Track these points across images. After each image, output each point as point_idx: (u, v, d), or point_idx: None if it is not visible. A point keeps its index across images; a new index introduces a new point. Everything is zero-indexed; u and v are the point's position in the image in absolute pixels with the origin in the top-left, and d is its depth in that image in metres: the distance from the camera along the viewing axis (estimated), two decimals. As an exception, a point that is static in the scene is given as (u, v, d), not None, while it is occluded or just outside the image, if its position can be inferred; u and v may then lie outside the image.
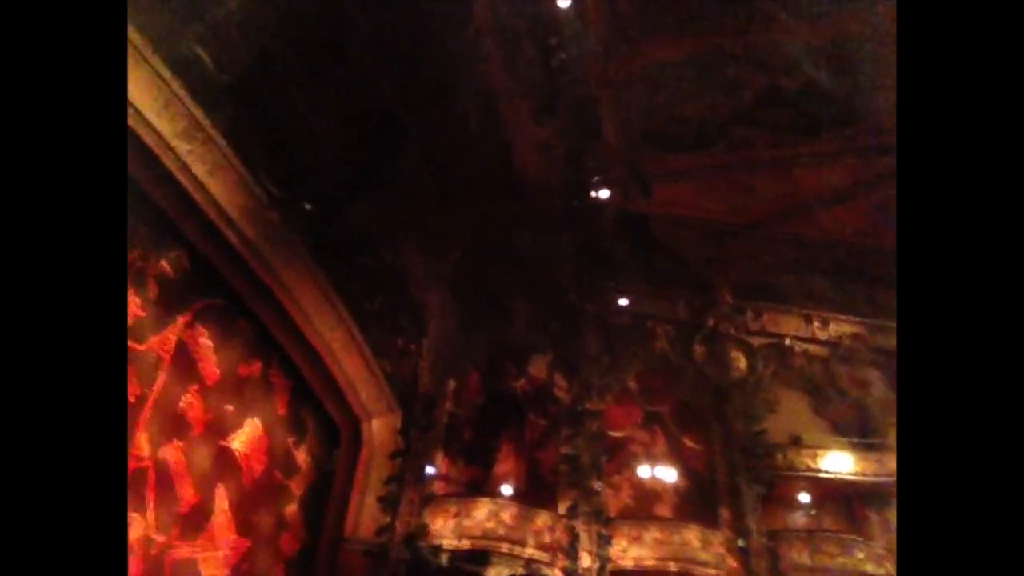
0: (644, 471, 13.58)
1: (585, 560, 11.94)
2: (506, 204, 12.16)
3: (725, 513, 12.64)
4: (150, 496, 7.97)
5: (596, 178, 11.29)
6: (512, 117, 11.19)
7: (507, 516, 11.49)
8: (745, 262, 14.47)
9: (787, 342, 14.34)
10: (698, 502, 13.22)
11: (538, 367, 13.44)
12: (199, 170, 7.47)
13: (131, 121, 6.76)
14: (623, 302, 13.49)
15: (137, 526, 7.80)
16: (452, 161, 11.12)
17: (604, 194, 11.48)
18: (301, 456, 10.37)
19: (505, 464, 12.89)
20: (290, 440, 10.18)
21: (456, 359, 12.53)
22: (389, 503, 10.94)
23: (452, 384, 12.52)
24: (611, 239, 12.94)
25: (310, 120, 8.70)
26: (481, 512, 11.42)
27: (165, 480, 8.16)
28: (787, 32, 10.06)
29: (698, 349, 14.20)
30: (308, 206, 8.87)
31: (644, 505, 13.41)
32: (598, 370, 13.73)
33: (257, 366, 9.53)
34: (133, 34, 6.33)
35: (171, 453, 8.24)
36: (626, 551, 12.19)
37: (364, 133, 9.54)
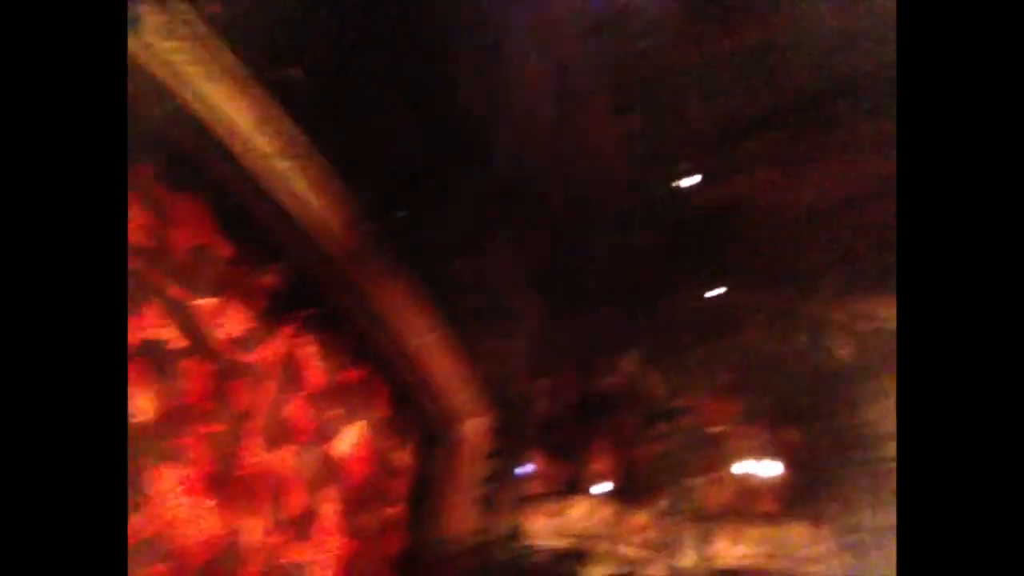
0: (744, 466, 13.24)
1: (686, 558, 11.78)
2: (589, 201, 12.11)
3: (832, 508, 12.19)
4: (263, 501, 8.33)
5: (681, 167, 11.06)
6: (590, 113, 11.12)
7: (604, 514, 11.45)
8: (839, 246, 13.93)
9: (893, 327, 13.73)
10: (803, 497, 12.79)
11: (629, 364, 13.31)
12: (299, 186, 7.77)
13: (230, 139, 7.09)
14: (713, 293, 13.16)
15: (251, 530, 8.18)
16: (533, 160, 11.15)
17: (689, 183, 11.22)
18: (403, 458, 10.64)
19: (599, 462, 12.82)
20: (392, 443, 10.45)
21: (547, 359, 12.56)
22: (487, 503, 11.10)
23: (544, 384, 12.56)
24: (698, 229, 12.66)
25: (398, 130, 8.90)
26: (577, 511, 11.42)
27: (276, 486, 8.52)
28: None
29: (797, 337, 13.73)
30: (400, 215, 9.08)
31: (746, 501, 13.07)
32: (691, 365, 13.48)
33: (359, 372, 9.83)
34: (232, 59, 6.64)
35: (281, 458, 8.60)
36: (729, 549, 11.95)
37: (450, 140, 9.69)
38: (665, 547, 11.92)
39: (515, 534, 11.20)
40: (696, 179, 11.50)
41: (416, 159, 9.33)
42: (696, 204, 12.26)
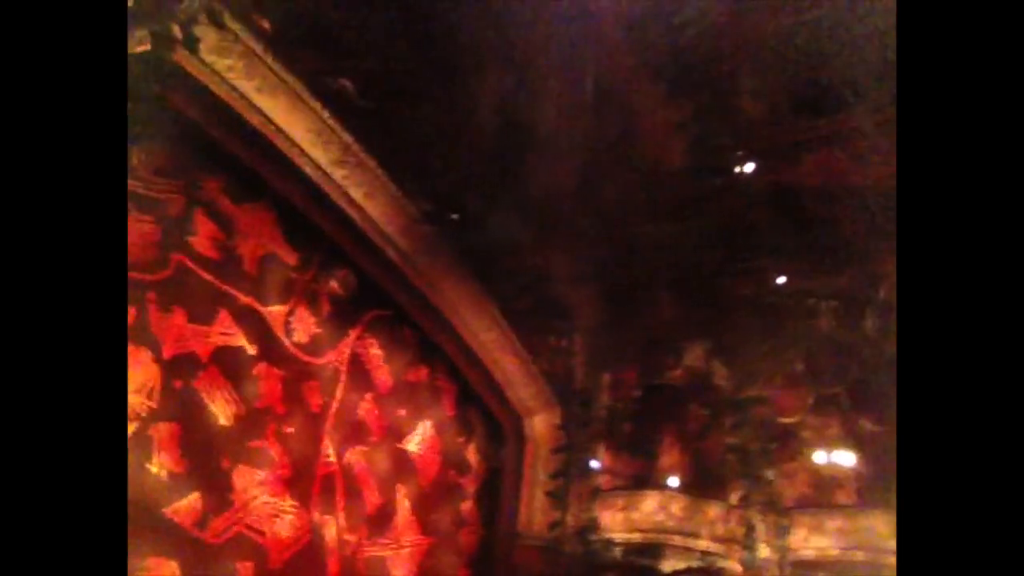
0: (820, 457, 12.88)
1: (763, 551, 11.56)
2: (644, 192, 12.06)
3: (915, 497, 11.77)
4: (340, 499, 8.66)
5: (739, 152, 10.87)
6: (641, 104, 11.10)
7: (676, 508, 11.35)
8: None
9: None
10: (882, 487, 12.37)
11: (695, 356, 13.14)
12: (356, 193, 8.08)
13: (289, 151, 7.46)
14: (780, 280, 12.85)
15: (331, 528, 8.51)
16: (584, 155, 11.19)
17: (749, 168, 11.00)
18: (471, 454, 10.84)
19: (669, 456, 12.70)
20: (459, 440, 10.66)
21: (609, 353, 12.55)
22: (558, 498, 11.15)
23: (607, 378, 12.55)
24: (760, 215, 12.40)
25: (448, 133, 9.11)
26: (649, 505, 11.35)
27: (351, 484, 8.84)
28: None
29: (870, 323, 13.28)
30: (454, 216, 9.28)
31: (823, 492, 12.71)
32: (759, 355, 13.22)
33: (424, 371, 10.10)
34: (285, 73, 6.98)
35: (355, 458, 8.91)
36: (807, 540, 11.66)
37: (500, 142, 9.85)
38: (740, 540, 11.71)
39: (588, 528, 11.21)
40: (752, 165, 11.32)
41: (468, 162, 9.53)
42: (755, 189, 12.06)
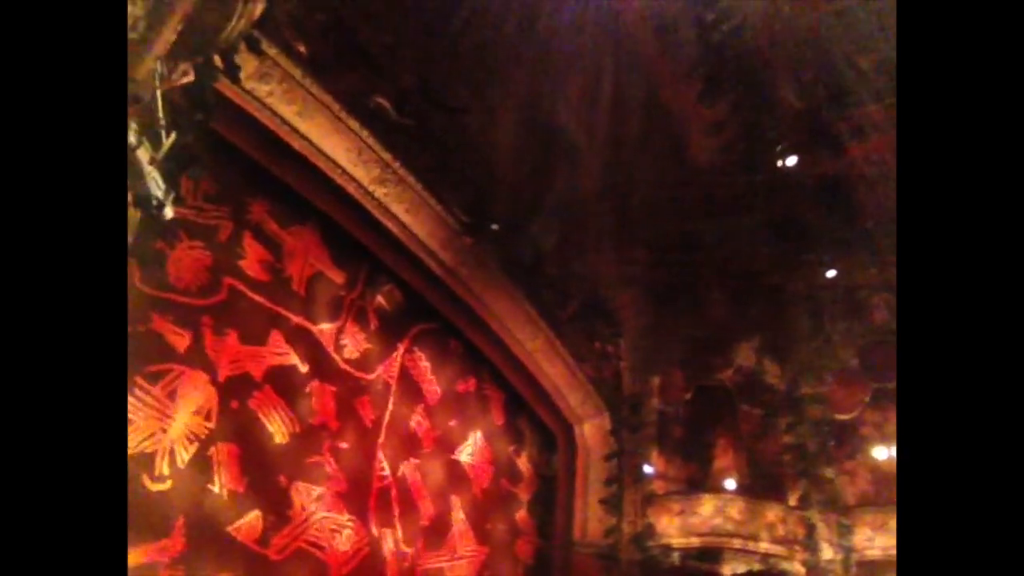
0: (880, 453, 12.53)
1: (826, 552, 11.29)
2: (686, 192, 11.95)
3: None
4: (396, 512, 8.76)
5: (780, 147, 10.68)
6: (678, 104, 11.02)
7: (734, 511, 11.16)
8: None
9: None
10: (949, 481, 11.99)
11: (745, 355, 12.92)
12: (398, 209, 8.21)
13: (331, 172, 7.62)
14: (830, 274, 12.55)
15: (388, 541, 8.60)
16: (624, 161, 11.15)
17: (791, 162, 10.80)
18: (523, 463, 10.85)
19: (723, 458, 12.51)
20: (510, 449, 10.69)
21: (657, 356, 12.44)
22: (612, 504, 11.07)
23: (656, 382, 12.43)
24: (806, 209, 12.16)
25: (486, 146, 9.19)
26: (707, 508, 11.19)
27: (406, 496, 8.93)
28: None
29: (923, 315, 12.94)
30: (495, 227, 9.34)
31: (885, 490, 12.36)
32: (812, 351, 12.94)
33: (472, 382, 10.17)
34: (323, 95, 7.14)
35: (408, 470, 9.00)
36: (872, 540, 11.35)
37: (536, 150, 9.89)
38: (801, 541, 11.45)
39: (644, 534, 11.09)
40: (795, 158, 11.13)
41: (507, 171, 9.59)
42: (800, 183, 11.84)
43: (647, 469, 11.53)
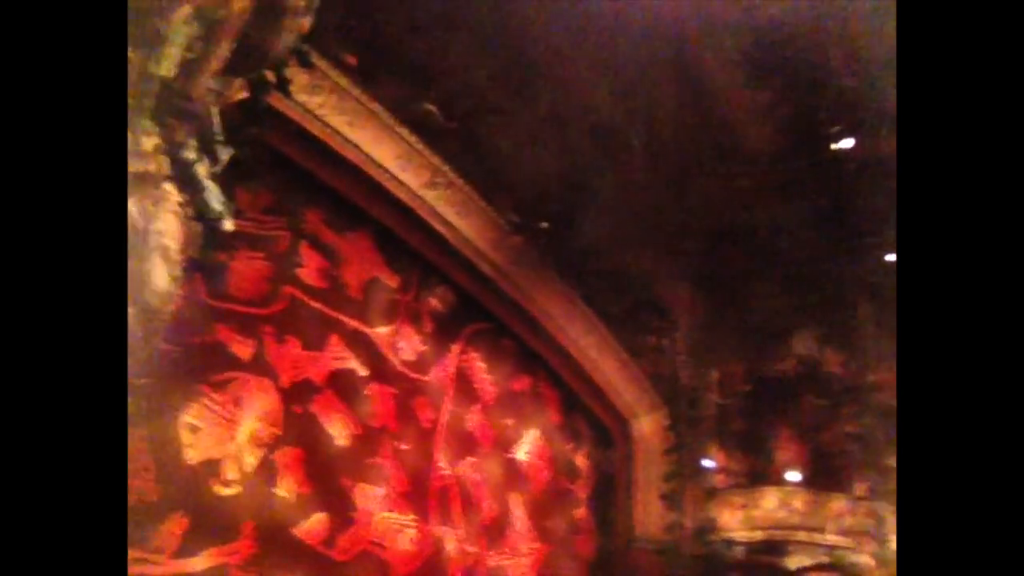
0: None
1: (893, 543, 10.97)
2: (737, 182, 11.76)
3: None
4: (456, 511, 8.85)
5: (835, 128, 10.38)
6: (725, 91, 10.84)
7: (798, 503, 10.95)
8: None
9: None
10: None
11: (805, 344, 12.64)
12: (448, 212, 8.30)
13: (382, 179, 7.74)
14: (890, 258, 12.17)
15: (451, 540, 8.69)
16: (672, 152, 11.02)
17: (847, 143, 10.49)
18: (580, 460, 10.85)
19: (786, 450, 12.27)
20: (568, 446, 10.69)
21: (713, 349, 12.27)
22: (672, 500, 10.98)
23: (714, 375, 12.26)
24: (863, 191, 11.81)
25: (533, 146, 9.20)
26: (770, 501, 11.00)
27: (466, 495, 9.02)
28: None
29: (990, 295, 12.45)
30: (544, 225, 9.35)
31: (957, 479, 11.96)
32: (874, 337, 12.58)
33: (527, 380, 10.20)
34: (372, 104, 7.27)
35: (467, 469, 9.09)
36: (945, 530, 10.99)
37: (584, 146, 9.86)
38: (868, 533, 11.14)
39: (706, 529, 10.97)
40: (851, 140, 10.83)
41: (555, 169, 9.59)
42: (856, 165, 11.52)
43: (707, 463, 11.39)
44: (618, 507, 10.90)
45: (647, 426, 11.10)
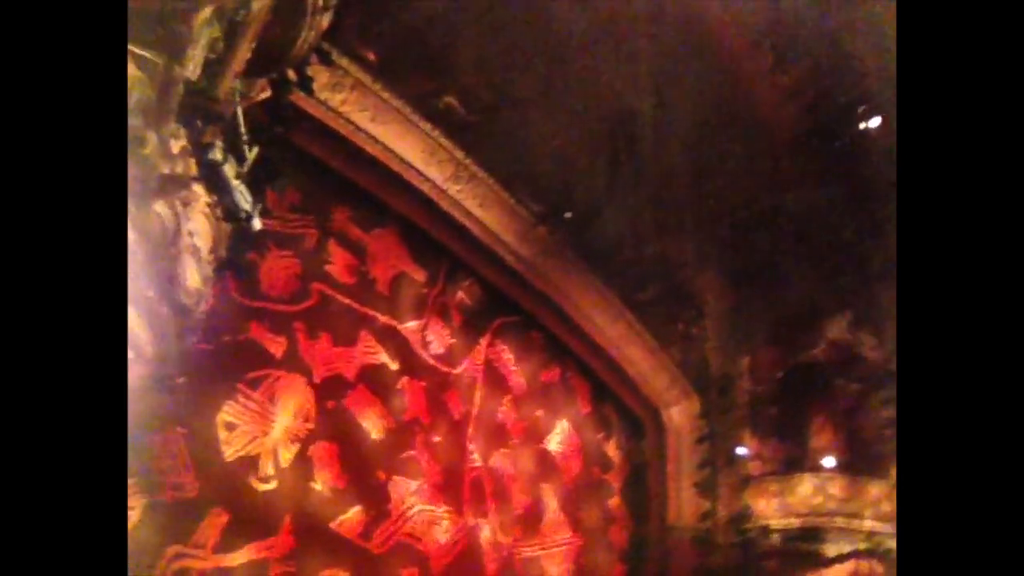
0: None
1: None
2: (764, 167, 11.60)
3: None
4: (490, 502, 8.90)
5: (861, 108, 10.20)
6: (749, 75, 10.70)
7: (835, 489, 10.82)
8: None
9: None
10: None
11: (837, 328, 12.45)
12: (472, 205, 8.32)
13: (406, 174, 7.79)
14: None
15: (485, 531, 8.75)
16: (696, 138, 10.91)
17: (875, 123, 10.29)
18: (612, 450, 10.83)
19: (821, 436, 12.11)
20: (599, 436, 10.69)
21: (744, 336, 12.15)
22: (706, 488, 10.91)
23: (746, 362, 12.15)
24: (891, 173, 11.54)
25: (555, 136, 9.18)
26: (805, 488, 10.88)
27: (499, 486, 9.07)
28: None
29: None
30: (568, 215, 9.32)
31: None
32: (908, 320, 12.35)
33: (556, 371, 10.21)
34: (394, 100, 7.31)
35: (499, 461, 9.14)
36: (984, 515, 10.78)
37: (607, 134, 9.81)
38: (909, 518, 10.93)
39: (741, 517, 10.88)
40: (878, 120, 10.63)
41: (577, 158, 9.56)
42: (884, 146, 11.31)
43: (741, 451, 11.29)
44: (651, 496, 10.87)
45: (678, 415, 11.04)
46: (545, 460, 9.73)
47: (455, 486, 8.52)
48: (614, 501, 10.63)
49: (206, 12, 2.71)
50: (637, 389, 10.78)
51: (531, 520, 9.37)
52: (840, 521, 10.62)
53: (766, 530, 10.72)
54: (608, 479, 10.64)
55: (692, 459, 10.94)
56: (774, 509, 10.80)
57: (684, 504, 10.76)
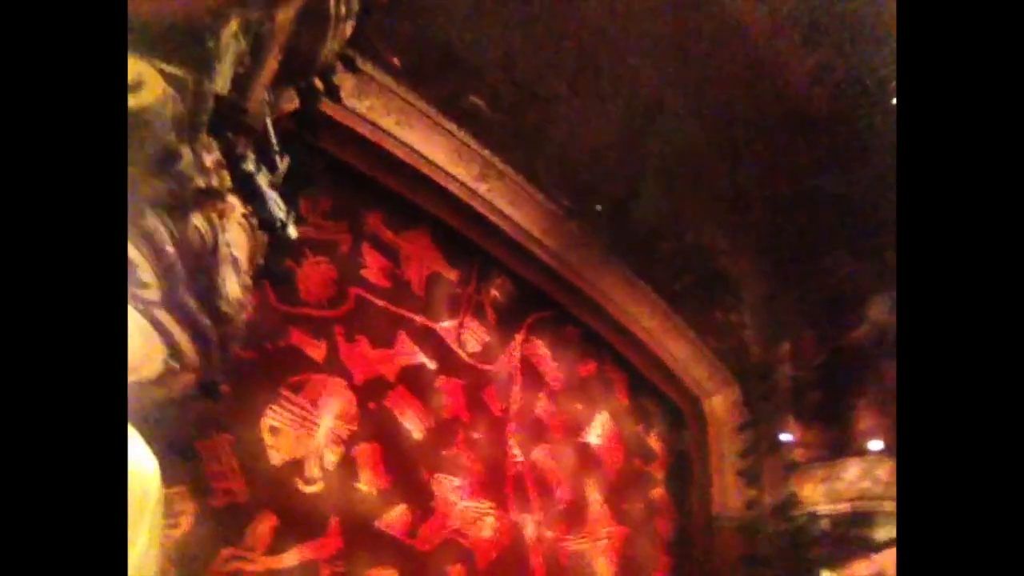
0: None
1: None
2: (798, 148, 11.44)
3: None
4: (533, 497, 8.94)
5: (894, 83, 9.99)
6: (776, 55, 10.54)
7: (883, 472, 10.61)
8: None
9: None
10: None
11: (879, 309, 12.21)
12: (501, 203, 8.36)
13: (434, 175, 7.86)
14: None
15: (529, 526, 8.80)
16: (725, 122, 10.79)
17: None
18: (653, 441, 10.79)
19: (866, 419, 11.89)
20: (639, 428, 10.65)
21: (783, 321, 11.99)
22: (751, 476, 10.81)
23: (786, 347, 11.99)
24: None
25: (582, 129, 9.16)
26: (852, 472, 10.70)
27: (541, 481, 9.11)
28: None
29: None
30: (598, 208, 9.31)
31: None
32: (952, 297, 12.06)
33: (592, 365, 10.20)
34: (419, 102, 7.38)
35: (540, 456, 9.17)
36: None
37: (634, 125, 9.75)
38: (962, 499, 10.69)
39: (788, 504, 10.76)
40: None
41: (605, 149, 9.52)
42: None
43: (785, 437, 11.15)
44: (695, 486, 10.81)
45: (719, 403, 10.96)
46: (586, 453, 9.74)
47: (498, 482, 8.57)
48: (657, 492, 10.59)
49: (232, 27, 2.77)
50: (676, 379, 10.72)
51: (575, 513, 9.38)
52: (889, 505, 10.43)
53: (814, 516, 10.57)
54: (651, 470, 10.61)
55: (735, 447, 10.85)
56: (821, 495, 10.65)
57: (729, 493, 10.67)
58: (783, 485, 10.81)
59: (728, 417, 10.91)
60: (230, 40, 2.88)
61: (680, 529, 10.64)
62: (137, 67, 2.33)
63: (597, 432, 9.96)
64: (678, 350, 10.46)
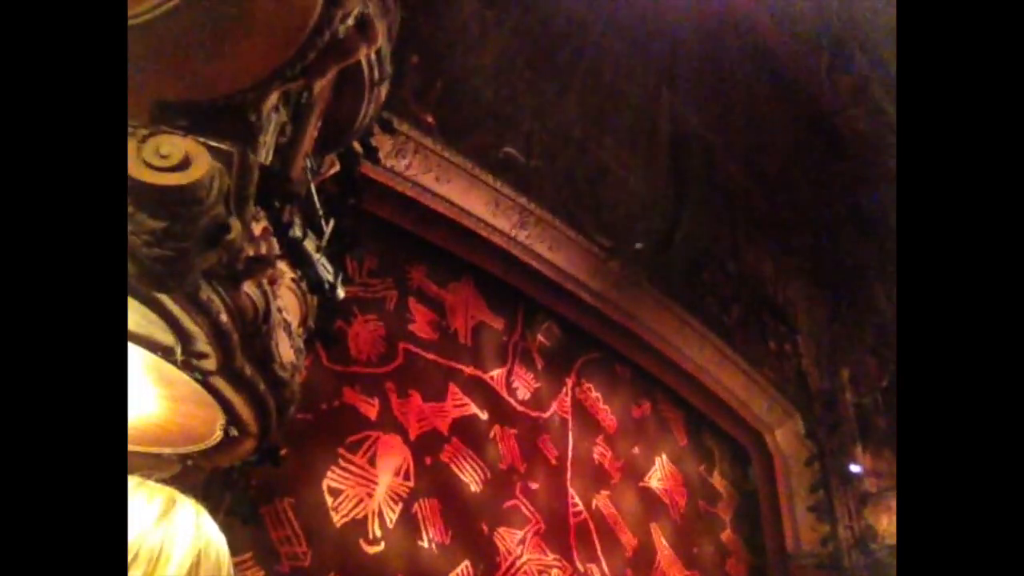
0: None
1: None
2: (840, 169, 11.31)
3: None
4: (598, 546, 8.71)
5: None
6: (807, 80, 10.52)
7: (961, 499, 10.09)
8: None
9: None
10: None
11: (940, 327, 11.77)
12: (541, 248, 8.39)
13: (474, 226, 7.94)
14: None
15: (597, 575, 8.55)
16: (764, 150, 10.74)
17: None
18: (717, 481, 10.46)
19: (941, 443, 11.39)
20: (701, 468, 10.35)
21: (841, 347, 11.66)
22: (823, 511, 10.39)
23: (847, 373, 11.63)
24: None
25: (616, 168, 9.22)
26: (930, 500, 10.21)
27: (605, 529, 8.87)
28: None
29: None
30: (639, 245, 9.28)
31: None
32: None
33: (647, 405, 10.00)
34: (456, 157, 7.51)
35: (601, 503, 8.96)
36: None
37: (669, 159, 9.77)
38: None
39: (865, 537, 10.29)
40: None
41: (642, 185, 9.54)
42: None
43: (854, 468, 10.74)
44: (765, 525, 10.41)
45: (782, 437, 10.61)
46: (648, 498, 9.49)
47: (560, 532, 8.38)
48: (727, 533, 10.22)
49: (272, 99, 2.88)
50: (735, 414, 10.43)
51: (643, 561, 9.09)
52: (974, 532, 9.88)
53: (894, 549, 10.07)
54: (717, 511, 10.26)
55: (803, 482, 10.45)
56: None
57: (801, 529, 10.25)
58: (858, 518, 10.37)
59: (793, 451, 10.55)
60: (271, 112, 2.98)
61: (753, 570, 10.22)
62: (184, 145, 2.42)
63: (658, 475, 9.72)
64: (734, 384, 10.21)
